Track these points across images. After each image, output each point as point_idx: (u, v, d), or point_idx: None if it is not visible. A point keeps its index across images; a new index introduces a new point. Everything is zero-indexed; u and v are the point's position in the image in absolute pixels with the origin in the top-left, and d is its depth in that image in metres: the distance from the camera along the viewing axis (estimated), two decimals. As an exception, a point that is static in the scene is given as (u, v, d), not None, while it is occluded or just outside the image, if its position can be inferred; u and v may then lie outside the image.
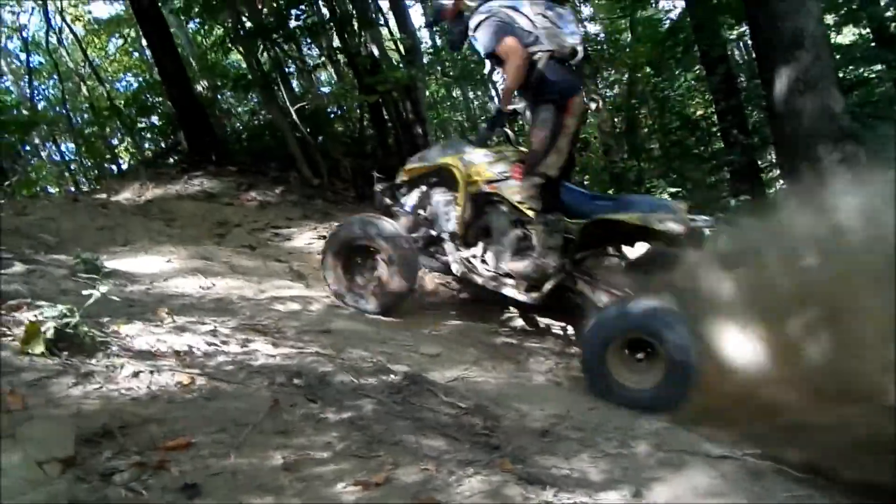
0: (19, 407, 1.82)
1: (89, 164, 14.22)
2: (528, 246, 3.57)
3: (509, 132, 3.96)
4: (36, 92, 17.37)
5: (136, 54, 17.00)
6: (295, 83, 9.56)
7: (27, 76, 17.14)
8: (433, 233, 3.94)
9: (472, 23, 3.49)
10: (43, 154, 15.78)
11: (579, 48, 3.47)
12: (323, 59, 9.27)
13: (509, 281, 3.62)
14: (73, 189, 12.09)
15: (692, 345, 2.76)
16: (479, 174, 3.70)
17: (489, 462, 1.98)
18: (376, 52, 8.18)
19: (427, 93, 11.73)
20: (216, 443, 1.83)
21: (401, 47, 9.05)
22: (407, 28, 9.80)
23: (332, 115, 9.30)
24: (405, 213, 3.98)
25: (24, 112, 16.07)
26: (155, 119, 11.44)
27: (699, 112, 10.83)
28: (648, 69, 10.15)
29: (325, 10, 8.28)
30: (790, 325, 2.67)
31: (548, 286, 3.49)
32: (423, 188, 4.00)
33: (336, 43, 8.43)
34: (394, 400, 2.33)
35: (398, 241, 3.65)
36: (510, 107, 3.74)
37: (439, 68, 11.88)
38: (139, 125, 11.59)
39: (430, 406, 2.38)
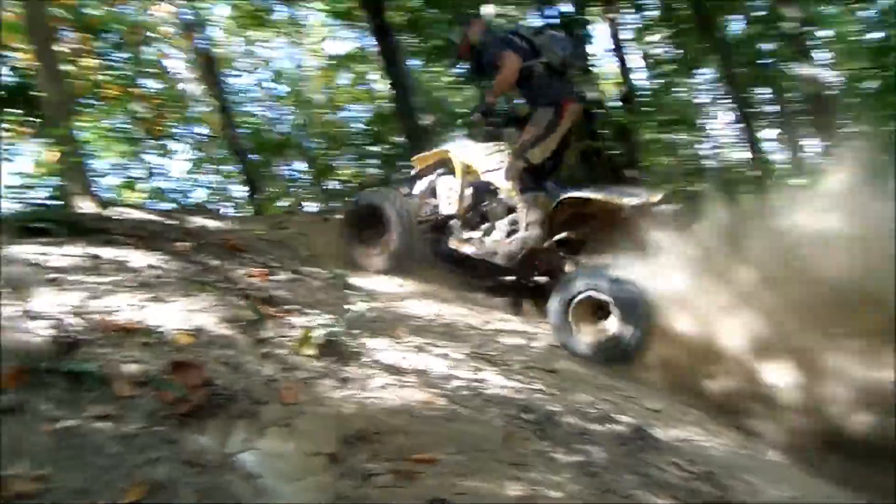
0: (293, 401, 2.07)
1: (320, 184, 15.89)
2: (517, 229, 4.04)
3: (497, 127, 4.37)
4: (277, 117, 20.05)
5: (364, 87, 18.95)
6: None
7: (271, 103, 19.81)
8: (438, 216, 4.40)
9: (483, 47, 4.20)
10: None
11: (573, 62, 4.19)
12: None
13: (498, 254, 4.06)
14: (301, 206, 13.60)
15: (640, 303, 3.21)
16: (477, 164, 4.22)
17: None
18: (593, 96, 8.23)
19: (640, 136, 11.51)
20: (457, 463, 1.92)
21: (617, 91, 9.04)
22: (625, 73, 9.77)
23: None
24: (414, 198, 4.53)
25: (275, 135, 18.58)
26: (382, 146, 12.54)
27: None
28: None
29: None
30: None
31: (521, 250, 3.96)
32: (431, 177, 4.51)
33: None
34: (621, 451, 2.27)
35: (401, 210, 4.18)
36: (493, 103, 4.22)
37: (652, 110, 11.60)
38: (372, 150, 12.70)
39: (657, 464, 2.29)
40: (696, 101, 12.72)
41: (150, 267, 2.76)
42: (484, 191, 4.22)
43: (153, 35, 16.74)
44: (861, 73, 10.24)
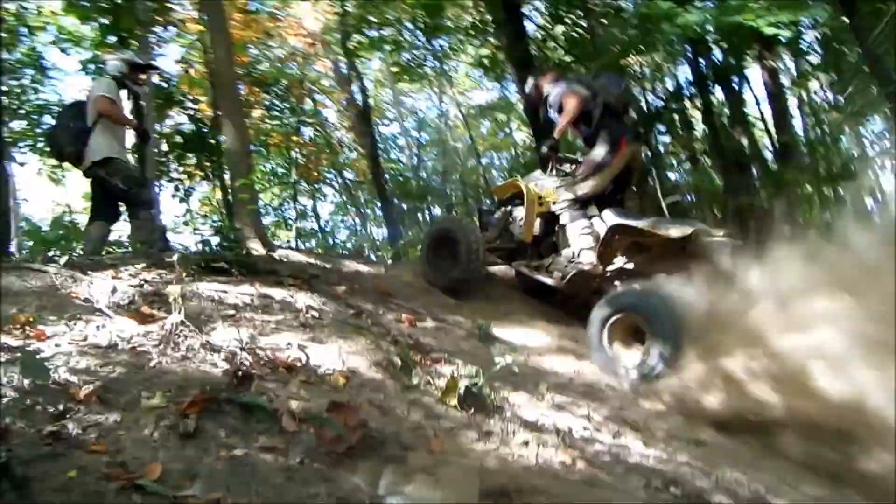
0: (439, 450, 2.13)
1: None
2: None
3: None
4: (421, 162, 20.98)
5: (502, 135, 19.33)
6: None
7: (417, 150, 20.74)
8: (511, 243, 4.75)
9: (549, 95, 4.53)
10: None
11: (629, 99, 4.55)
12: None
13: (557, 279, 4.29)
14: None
15: (676, 326, 3.20)
16: (546, 196, 4.57)
17: None
18: (747, 148, 7.86)
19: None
20: (599, 532, 1.88)
21: (775, 142, 8.55)
22: (785, 124, 9.23)
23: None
24: (490, 225, 4.95)
25: (414, 183, 19.43)
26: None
27: None
28: None
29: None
30: None
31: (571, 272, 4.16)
32: (507, 207, 4.89)
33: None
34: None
35: (470, 235, 4.46)
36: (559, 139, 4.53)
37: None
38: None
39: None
40: (862, 152, 11.75)
41: (310, 308, 2.97)
42: (553, 221, 4.55)
43: (313, 87, 18.31)
44: None
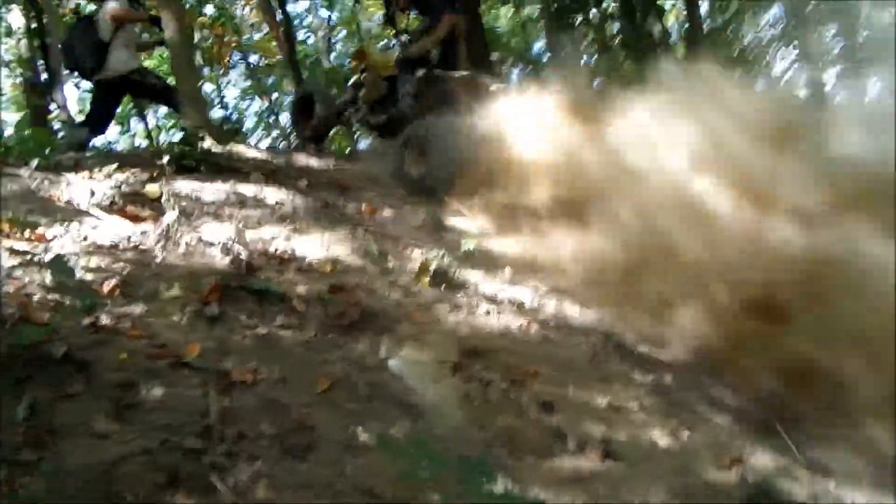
0: (420, 321, 2.53)
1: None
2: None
3: None
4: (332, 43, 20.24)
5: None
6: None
7: (327, 30, 19.88)
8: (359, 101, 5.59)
9: None
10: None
11: None
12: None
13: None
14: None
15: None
16: (390, 62, 5.35)
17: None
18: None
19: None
20: (554, 377, 2.37)
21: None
22: (694, 12, 9.63)
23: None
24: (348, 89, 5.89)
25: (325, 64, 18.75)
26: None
27: None
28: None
29: None
30: None
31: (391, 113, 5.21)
32: (361, 74, 5.69)
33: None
34: (690, 376, 2.70)
35: (324, 93, 5.75)
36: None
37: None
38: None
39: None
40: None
41: (281, 202, 3.21)
42: (393, 81, 5.32)
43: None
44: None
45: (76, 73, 5.33)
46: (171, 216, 2.58)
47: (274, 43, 18.07)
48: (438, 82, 4.99)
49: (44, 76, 10.11)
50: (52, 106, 9.53)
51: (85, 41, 4.77)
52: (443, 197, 4.02)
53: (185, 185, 3.09)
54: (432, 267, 2.81)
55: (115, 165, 3.09)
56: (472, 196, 4.14)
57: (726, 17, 11.07)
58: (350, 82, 5.91)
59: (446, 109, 4.70)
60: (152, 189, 2.96)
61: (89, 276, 2.23)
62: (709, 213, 3.49)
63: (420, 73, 5.07)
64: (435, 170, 4.19)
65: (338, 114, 5.70)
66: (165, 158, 3.11)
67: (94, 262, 2.35)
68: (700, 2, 10.45)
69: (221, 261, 2.50)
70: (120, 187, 2.95)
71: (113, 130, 20.19)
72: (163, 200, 2.65)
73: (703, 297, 2.93)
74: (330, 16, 19.46)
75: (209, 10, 16.25)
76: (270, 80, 21.87)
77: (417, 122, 4.64)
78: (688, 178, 3.63)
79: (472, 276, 3.13)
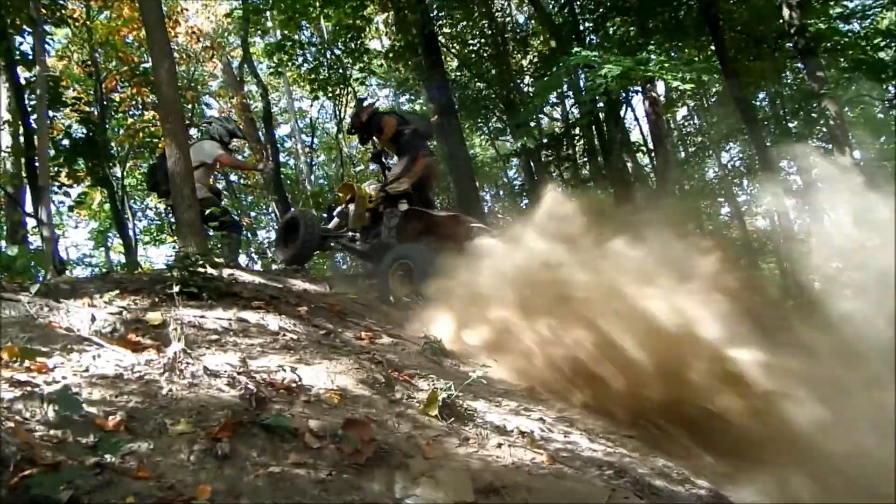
0: (432, 455, 2.45)
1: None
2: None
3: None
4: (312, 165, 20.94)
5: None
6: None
7: (308, 154, 20.62)
8: (345, 229, 6.22)
9: (370, 119, 6.09)
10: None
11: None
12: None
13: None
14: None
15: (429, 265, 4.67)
16: (374, 196, 5.94)
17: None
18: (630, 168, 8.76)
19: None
20: (574, 516, 2.28)
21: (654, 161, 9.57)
22: (661, 147, 10.31)
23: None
24: (334, 217, 6.52)
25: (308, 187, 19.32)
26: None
27: None
28: None
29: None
30: None
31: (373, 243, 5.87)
32: (346, 205, 6.28)
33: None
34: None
35: (308, 220, 6.09)
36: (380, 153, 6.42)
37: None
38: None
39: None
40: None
41: (284, 330, 3.18)
42: (378, 214, 5.95)
43: (201, 89, 17.73)
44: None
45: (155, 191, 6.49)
46: (176, 346, 2.53)
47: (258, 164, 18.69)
48: (418, 217, 5.60)
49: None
50: (30, 221, 9.59)
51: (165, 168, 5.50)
52: (429, 318, 4.29)
53: (187, 313, 3.05)
54: (440, 398, 2.76)
55: (115, 292, 3.05)
56: (458, 317, 4.23)
57: (691, 152, 11.81)
58: (336, 211, 6.42)
59: (427, 240, 5.35)
60: (154, 316, 2.91)
61: (93, 410, 2.14)
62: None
63: (402, 206, 5.68)
64: (418, 289, 4.60)
65: (322, 238, 6.17)
66: (175, 288, 3.08)
67: (98, 394, 2.26)
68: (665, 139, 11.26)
69: (228, 393, 2.43)
70: (121, 314, 2.90)
71: (89, 244, 20.17)
72: (169, 330, 2.60)
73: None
74: (312, 140, 20.26)
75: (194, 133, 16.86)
76: (249, 199, 22.34)
77: (401, 246, 5.17)
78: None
79: (478, 405, 3.08)
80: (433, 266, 4.63)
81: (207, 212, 5.57)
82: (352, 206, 6.23)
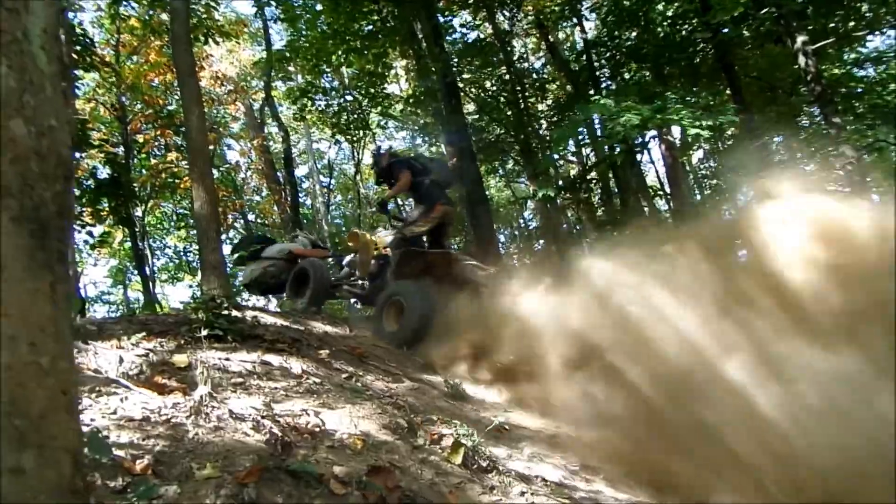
0: (455, 504, 2.43)
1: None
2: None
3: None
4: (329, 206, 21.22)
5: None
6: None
7: (325, 194, 20.90)
8: (353, 276, 6.36)
9: (389, 167, 6.22)
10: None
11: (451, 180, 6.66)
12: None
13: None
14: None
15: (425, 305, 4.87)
16: (381, 244, 6.16)
17: None
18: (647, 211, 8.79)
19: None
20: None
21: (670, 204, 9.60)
22: (678, 191, 10.34)
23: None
24: (344, 266, 6.71)
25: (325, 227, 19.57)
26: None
27: None
28: None
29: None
30: None
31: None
32: (355, 253, 6.52)
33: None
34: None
35: (318, 269, 6.28)
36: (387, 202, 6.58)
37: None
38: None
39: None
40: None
41: (306, 373, 3.19)
42: (383, 261, 6.09)
43: (222, 131, 18.13)
44: None
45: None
46: (202, 390, 2.55)
47: (274, 206, 19.02)
48: (416, 258, 5.72)
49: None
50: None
51: (250, 250, 6.50)
52: (429, 356, 4.45)
53: (212, 355, 3.08)
54: (463, 444, 2.74)
55: (142, 333, 3.10)
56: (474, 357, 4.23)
57: (707, 194, 11.84)
58: (346, 261, 6.75)
59: (424, 279, 5.43)
60: (180, 359, 2.95)
61: (121, 453, 2.16)
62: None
63: (400, 250, 5.82)
64: (408, 326, 4.75)
65: (332, 286, 6.42)
66: (204, 332, 3.12)
67: (125, 437, 2.28)
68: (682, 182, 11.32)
69: (253, 437, 2.44)
70: (148, 356, 2.94)
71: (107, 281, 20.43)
72: (195, 372, 2.63)
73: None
74: (329, 181, 20.57)
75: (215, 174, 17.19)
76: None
77: (394, 283, 5.39)
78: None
79: (500, 451, 3.06)
80: (424, 302, 4.82)
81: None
82: (359, 255, 6.46)
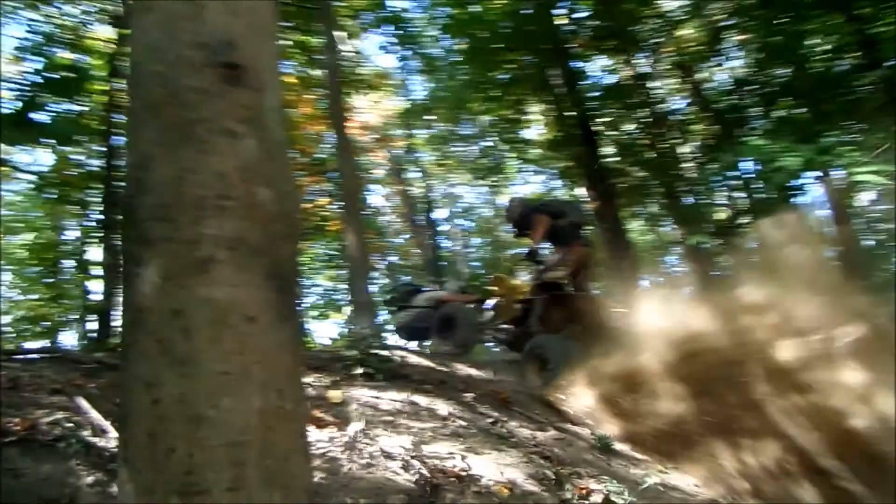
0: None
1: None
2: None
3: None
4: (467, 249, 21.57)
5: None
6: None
7: (463, 237, 21.28)
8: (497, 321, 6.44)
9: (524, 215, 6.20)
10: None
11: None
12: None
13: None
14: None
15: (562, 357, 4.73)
16: (524, 288, 6.23)
17: None
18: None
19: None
20: None
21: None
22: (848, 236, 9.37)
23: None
24: (489, 310, 6.65)
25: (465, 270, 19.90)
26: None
27: None
28: None
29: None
30: None
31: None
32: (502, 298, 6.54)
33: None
34: None
35: (466, 315, 6.26)
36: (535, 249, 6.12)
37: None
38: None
39: None
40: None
41: (452, 415, 3.21)
42: (527, 306, 5.95)
43: (365, 175, 19.15)
44: None
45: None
46: (357, 426, 2.64)
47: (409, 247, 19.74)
48: (561, 303, 5.71)
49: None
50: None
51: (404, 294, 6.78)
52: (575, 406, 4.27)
53: (364, 392, 3.19)
54: (614, 502, 2.61)
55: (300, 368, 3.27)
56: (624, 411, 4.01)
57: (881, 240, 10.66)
58: (491, 305, 6.73)
59: (570, 326, 5.45)
60: (335, 394, 3.08)
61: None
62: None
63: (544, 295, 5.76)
64: (550, 380, 4.60)
65: (478, 331, 6.43)
66: (360, 370, 3.26)
67: (287, 467, 2.40)
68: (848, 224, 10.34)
69: (402, 476, 2.48)
70: (306, 390, 3.10)
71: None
72: (350, 408, 2.73)
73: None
74: (468, 225, 21.01)
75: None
76: (405, 280, 23.27)
77: (537, 337, 5.30)
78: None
79: (653, 513, 2.88)
80: (567, 358, 4.68)
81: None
82: (502, 300, 6.46)
